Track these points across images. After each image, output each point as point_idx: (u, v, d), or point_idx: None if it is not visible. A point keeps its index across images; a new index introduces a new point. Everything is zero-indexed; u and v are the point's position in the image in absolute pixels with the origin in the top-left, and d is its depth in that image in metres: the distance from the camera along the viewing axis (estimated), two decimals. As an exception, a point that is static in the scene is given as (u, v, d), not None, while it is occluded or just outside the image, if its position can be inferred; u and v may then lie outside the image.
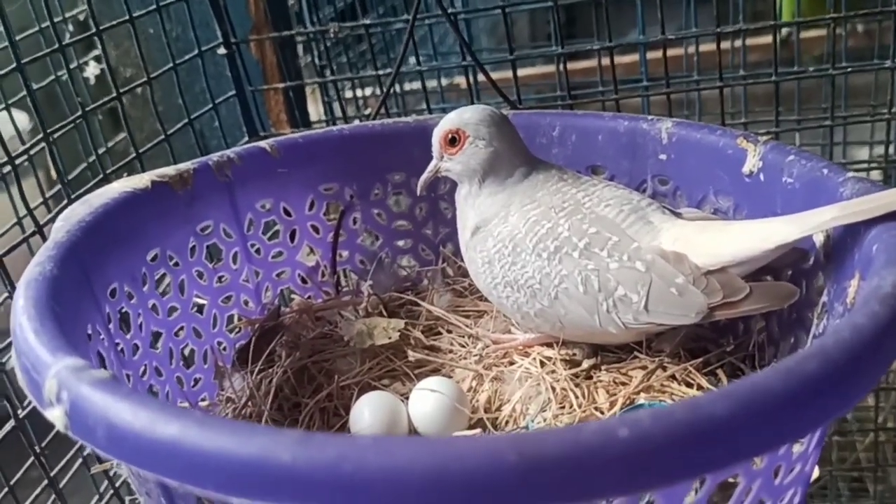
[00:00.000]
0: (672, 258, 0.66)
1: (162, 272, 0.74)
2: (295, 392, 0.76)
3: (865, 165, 1.26)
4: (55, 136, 0.80)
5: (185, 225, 0.77)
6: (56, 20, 0.81)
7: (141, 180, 0.73)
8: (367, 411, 0.69)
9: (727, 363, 0.71)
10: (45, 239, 0.70)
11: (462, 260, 0.83)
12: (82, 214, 0.66)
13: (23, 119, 0.95)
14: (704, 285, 0.64)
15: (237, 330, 0.82)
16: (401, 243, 0.91)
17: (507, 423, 0.69)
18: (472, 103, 1.01)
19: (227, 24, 1.01)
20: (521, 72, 0.98)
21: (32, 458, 0.75)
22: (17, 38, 0.75)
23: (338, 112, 1.26)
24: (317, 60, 1.17)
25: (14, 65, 0.75)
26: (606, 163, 0.82)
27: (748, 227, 0.65)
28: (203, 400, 0.78)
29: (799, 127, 1.17)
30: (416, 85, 1.46)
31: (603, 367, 0.73)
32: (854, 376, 0.40)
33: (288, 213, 0.85)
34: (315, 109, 1.31)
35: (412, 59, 1.05)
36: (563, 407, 0.69)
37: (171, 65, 0.95)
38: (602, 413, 0.68)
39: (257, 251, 0.84)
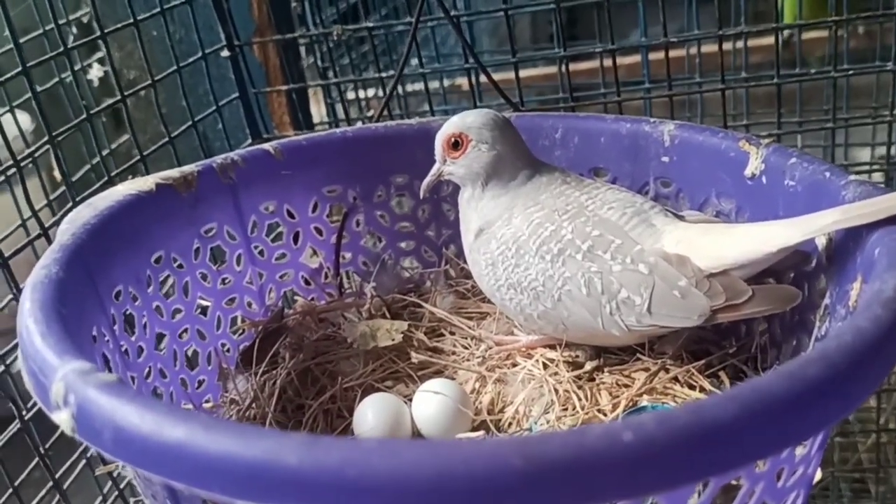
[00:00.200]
0: (675, 261, 0.66)
1: (166, 274, 0.75)
2: (298, 394, 0.76)
3: (867, 167, 1.26)
4: (59, 138, 0.80)
5: (189, 227, 0.77)
6: (60, 23, 0.81)
7: (145, 183, 0.73)
8: (371, 413, 0.69)
9: (729, 365, 0.72)
10: (49, 241, 0.70)
11: (465, 262, 0.83)
12: (87, 217, 0.66)
13: (24, 120, 0.95)
14: (707, 288, 0.64)
15: (241, 332, 0.83)
16: (404, 245, 0.91)
17: (510, 424, 0.70)
18: (475, 105, 1.01)
19: (230, 26, 1.02)
20: (522, 73, 0.98)
21: (36, 460, 0.75)
22: (21, 40, 0.76)
23: (340, 114, 1.26)
24: (319, 62, 1.17)
25: (20, 68, 0.75)
26: (609, 165, 0.82)
27: (751, 229, 0.66)
28: (207, 402, 0.78)
29: (801, 129, 1.17)
30: (418, 86, 1.46)
31: (605, 369, 0.74)
32: (856, 380, 0.40)
33: (291, 215, 0.85)
34: (317, 111, 1.31)
35: (414, 61, 1.05)
36: (566, 409, 0.70)
37: (174, 67, 0.95)
38: (605, 415, 0.68)
39: (261, 253, 0.84)
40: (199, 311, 0.78)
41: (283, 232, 0.86)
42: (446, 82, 1.47)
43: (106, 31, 0.85)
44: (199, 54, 0.99)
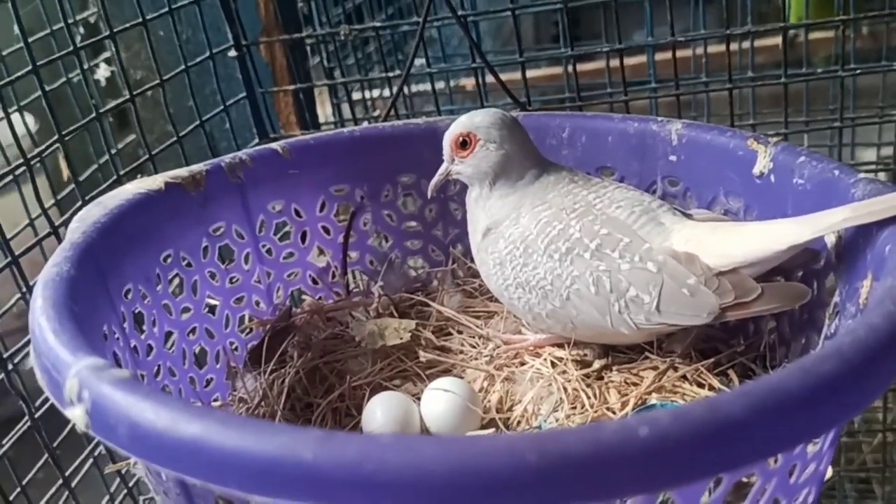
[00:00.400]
0: (683, 259, 0.66)
1: (175, 273, 0.75)
2: (307, 392, 0.76)
3: (874, 167, 1.26)
4: (67, 137, 0.80)
5: (197, 226, 0.77)
6: (68, 23, 0.81)
7: (154, 182, 0.73)
8: (380, 411, 0.69)
9: (738, 364, 0.72)
10: (60, 240, 0.70)
11: (472, 261, 0.84)
12: (97, 215, 0.67)
13: (28, 122, 0.96)
14: (716, 286, 0.65)
15: (249, 330, 0.83)
16: (411, 244, 0.91)
17: (518, 423, 0.70)
18: (481, 105, 1.02)
19: (238, 26, 1.02)
20: (526, 74, 0.98)
21: (45, 457, 0.76)
22: (30, 40, 0.76)
23: (346, 114, 1.26)
24: (325, 63, 1.18)
25: (26, 68, 0.75)
26: (616, 164, 0.82)
27: (760, 227, 0.66)
28: (215, 400, 0.78)
29: (807, 128, 1.17)
30: (423, 87, 1.46)
31: (614, 368, 0.74)
32: (870, 376, 0.40)
33: (299, 215, 0.86)
34: (322, 111, 1.31)
35: (419, 61, 1.05)
36: (575, 407, 0.70)
37: (182, 67, 0.95)
38: (614, 413, 0.68)
39: (269, 252, 0.84)
40: (207, 309, 0.78)
41: (290, 231, 0.86)
42: (451, 83, 1.47)
43: (116, 31, 0.85)
44: (207, 54, 1.00)
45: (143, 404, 0.41)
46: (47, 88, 0.78)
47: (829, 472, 0.55)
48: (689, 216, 0.71)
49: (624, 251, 0.68)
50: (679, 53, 0.95)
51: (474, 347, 0.80)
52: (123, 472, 0.81)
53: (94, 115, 0.83)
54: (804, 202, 0.65)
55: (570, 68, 1.13)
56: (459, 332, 0.83)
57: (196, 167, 0.77)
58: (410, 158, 0.87)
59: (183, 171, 0.76)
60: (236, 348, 0.81)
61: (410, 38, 1.51)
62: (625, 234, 0.69)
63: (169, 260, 0.74)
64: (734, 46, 1.35)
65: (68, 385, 0.45)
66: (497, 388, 0.74)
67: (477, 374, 0.76)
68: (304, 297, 0.89)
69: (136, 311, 0.69)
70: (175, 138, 0.94)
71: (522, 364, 0.76)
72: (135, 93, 0.88)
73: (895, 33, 1.32)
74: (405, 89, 1.26)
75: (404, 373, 0.78)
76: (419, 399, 0.71)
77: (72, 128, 0.80)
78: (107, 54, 1.18)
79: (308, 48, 1.21)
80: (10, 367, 0.73)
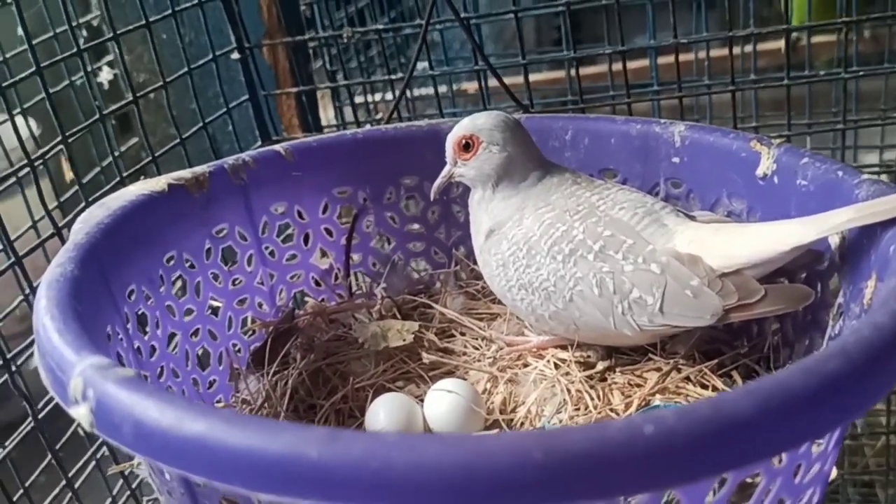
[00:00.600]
0: (687, 260, 0.66)
1: (178, 274, 0.75)
2: (310, 394, 0.76)
3: (876, 169, 1.26)
4: (71, 139, 0.80)
5: (200, 227, 0.77)
6: (72, 25, 0.81)
7: (157, 183, 0.73)
8: (383, 413, 0.69)
9: (742, 365, 0.72)
10: (63, 242, 0.70)
11: (474, 263, 0.84)
12: (101, 217, 0.67)
13: (30, 124, 0.96)
14: (719, 287, 0.65)
15: (251, 332, 0.83)
16: (413, 246, 0.91)
17: (522, 424, 0.70)
18: (484, 107, 1.02)
19: (240, 29, 1.02)
20: (528, 76, 0.98)
21: (49, 458, 0.76)
22: (34, 41, 0.76)
23: (348, 117, 1.27)
24: (328, 66, 1.18)
25: (27, 71, 0.75)
26: (619, 166, 0.83)
27: (763, 229, 0.66)
28: (219, 401, 0.78)
29: (810, 131, 1.17)
30: (424, 90, 1.47)
31: (617, 369, 0.74)
32: (875, 375, 0.40)
33: (302, 216, 0.86)
34: (324, 114, 1.32)
35: (422, 64, 1.05)
36: (579, 409, 0.70)
37: (185, 69, 0.95)
38: (617, 414, 0.68)
39: (271, 254, 0.84)
40: (210, 311, 0.78)
41: (293, 233, 0.86)
42: (453, 86, 1.47)
43: (119, 33, 0.86)
44: (210, 56, 1.00)
45: (147, 402, 0.41)
46: (55, 90, 0.78)
47: (834, 474, 0.55)
48: (692, 218, 0.71)
49: (627, 253, 0.68)
50: (681, 56, 0.96)
51: (477, 349, 0.80)
52: (126, 473, 0.81)
53: (97, 116, 0.84)
54: (807, 203, 0.65)
55: (572, 71, 1.13)
56: (462, 334, 0.83)
57: (199, 169, 0.77)
58: (413, 161, 0.87)
59: (186, 173, 0.76)
60: (239, 350, 0.81)
61: (412, 42, 1.51)
62: (628, 236, 0.69)
63: (172, 261, 0.74)
64: (736, 50, 1.35)
65: (73, 384, 0.45)
66: (500, 389, 0.74)
67: (480, 375, 0.76)
68: (306, 298, 0.89)
69: (140, 312, 0.69)
70: (178, 140, 0.94)
71: (526, 366, 0.76)
72: (138, 95, 0.88)
73: (896, 37, 1.32)
74: (407, 92, 1.27)
75: (407, 374, 0.78)
76: (422, 401, 0.71)
77: (75, 129, 0.80)
78: (109, 57, 1.18)
79: (311, 51, 1.21)
80: (13, 368, 0.73)
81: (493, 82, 1.00)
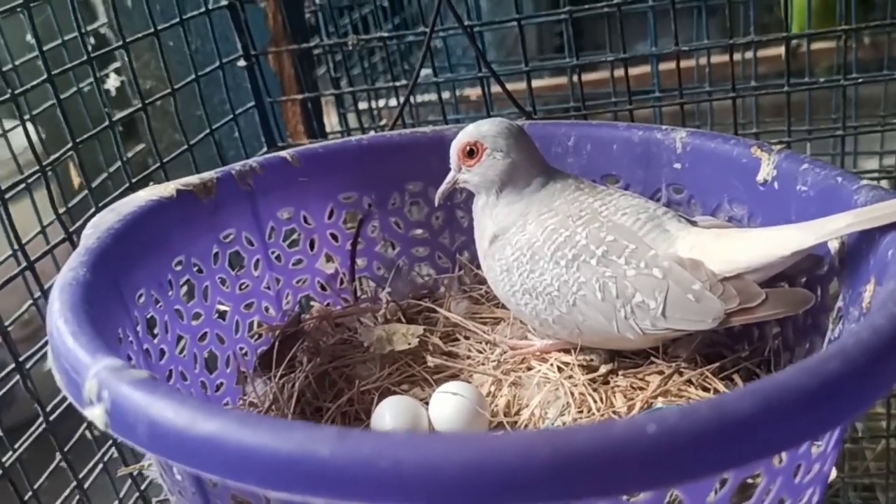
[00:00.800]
0: (689, 265, 0.67)
1: (186, 278, 0.76)
2: (316, 397, 0.77)
3: (876, 175, 1.27)
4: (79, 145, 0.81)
5: (208, 233, 0.78)
6: (74, 35, 0.83)
7: (166, 189, 0.74)
8: (389, 415, 0.70)
9: (743, 368, 0.72)
10: (74, 246, 0.71)
11: (478, 268, 0.85)
12: (111, 222, 0.68)
13: (33, 133, 0.97)
14: (721, 291, 0.65)
15: (258, 336, 0.84)
16: (418, 251, 0.92)
17: (526, 426, 0.70)
18: (487, 114, 1.03)
19: (247, 36, 1.03)
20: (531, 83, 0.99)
21: (59, 459, 0.77)
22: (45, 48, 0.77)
23: (352, 123, 1.28)
24: (332, 73, 1.19)
25: (35, 79, 0.76)
26: (621, 172, 0.83)
27: (764, 234, 0.67)
28: (226, 404, 0.79)
29: (810, 137, 1.18)
30: (427, 97, 1.48)
31: (620, 373, 0.74)
32: (874, 375, 0.41)
33: (307, 222, 0.87)
34: (328, 121, 1.33)
35: (425, 71, 1.06)
36: (582, 411, 0.71)
37: (192, 76, 0.97)
38: (620, 417, 0.69)
39: (278, 259, 0.85)
40: (217, 315, 0.79)
41: (299, 238, 0.87)
42: (456, 92, 1.48)
43: (129, 40, 0.87)
44: (216, 64, 1.01)
45: (162, 403, 0.42)
46: (65, 96, 0.79)
47: (833, 474, 0.56)
48: (693, 223, 0.72)
49: (630, 257, 0.69)
50: (683, 63, 0.96)
51: (481, 353, 0.81)
52: (135, 474, 0.82)
53: (107, 123, 0.85)
54: (807, 209, 0.66)
55: (574, 78, 1.15)
56: (466, 338, 0.84)
57: (207, 175, 0.78)
58: (418, 166, 0.88)
59: (194, 179, 0.77)
60: (246, 353, 0.82)
61: (416, 49, 1.52)
62: (630, 241, 0.70)
63: (180, 266, 0.75)
64: (737, 56, 1.36)
65: (88, 385, 0.46)
66: (504, 392, 0.75)
67: (484, 378, 0.77)
68: (312, 303, 0.90)
69: (149, 315, 0.70)
70: (185, 147, 0.96)
71: (529, 369, 0.77)
72: (146, 102, 0.89)
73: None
74: (411, 99, 1.28)
75: (412, 378, 0.78)
76: (427, 403, 0.72)
77: (85, 136, 0.82)
78: (116, 65, 1.20)
79: (315, 58, 1.22)
80: (25, 369, 0.74)
81: (495, 89, 1.01)
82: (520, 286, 0.75)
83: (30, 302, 0.81)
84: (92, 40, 1.06)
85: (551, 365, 0.76)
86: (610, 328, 0.70)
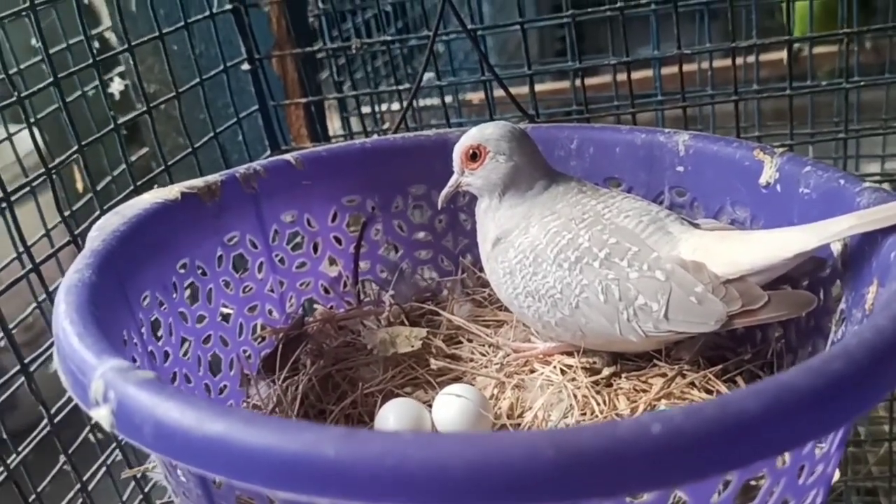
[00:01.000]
0: (691, 267, 0.67)
1: (190, 281, 0.76)
2: (320, 399, 0.77)
3: (878, 178, 1.27)
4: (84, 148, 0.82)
5: (213, 235, 0.78)
6: (80, 39, 0.83)
7: (171, 192, 0.75)
8: (393, 417, 0.70)
9: (746, 371, 0.73)
10: (79, 249, 0.71)
11: (481, 271, 0.85)
12: (116, 224, 0.68)
13: (37, 135, 0.97)
14: (723, 294, 0.66)
15: (262, 339, 0.84)
16: (421, 254, 0.92)
17: (529, 428, 0.71)
18: (489, 117, 1.03)
19: (250, 40, 1.04)
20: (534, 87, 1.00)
21: (63, 461, 0.77)
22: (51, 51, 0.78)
23: (355, 127, 1.28)
24: (335, 76, 1.20)
25: (49, 79, 0.77)
26: (624, 175, 0.84)
27: (766, 236, 0.67)
28: (230, 407, 0.79)
29: (812, 140, 1.18)
30: (430, 101, 1.48)
31: (623, 375, 0.75)
32: (877, 375, 0.41)
33: (311, 225, 0.87)
34: (331, 125, 1.33)
35: (428, 74, 1.07)
36: (585, 413, 0.71)
37: (196, 80, 0.97)
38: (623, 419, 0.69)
39: (281, 261, 0.86)
40: (221, 318, 0.79)
41: (303, 241, 0.87)
42: (458, 96, 1.49)
43: (134, 44, 0.87)
44: (220, 68, 1.01)
45: (168, 404, 0.43)
46: (70, 99, 0.79)
47: (836, 476, 0.56)
48: (696, 226, 0.73)
49: (632, 260, 0.69)
50: (685, 67, 0.97)
51: (484, 355, 0.81)
52: (139, 477, 0.82)
53: (111, 126, 0.85)
54: (810, 211, 0.66)
55: (576, 81, 1.15)
56: (469, 341, 0.84)
57: (211, 177, 0.79)
58: (421, 170, 0.88)
59: (198, 182, 0.77)
60: (249, 356, 0.82)
61: (418, 53, 1.53)
62: (633, 244, 0.70)
63: (185, 268, 0.75)
64: (739, 60, 1.36)
65: (94, 386, 0.46)
66: (507, 395, 0.75)
67: (487, 381, 0.77)
68: (316, 306, 0.90)
69: (154, 318, 0.70)
70: (189, 150, 0.96)
71: (532, 372, 0.77)
72: (151, 105, 0.90)
73: (897, 47, 1.33)
74: (413, 102, 1.28)
75: (415, 380, 0.79)
76: (430, 406, 0.72)
77: (89, 139, 0.82)
78: (121, 69, 1.20)
79: (318, 62, 1.22)
80: (29, 372, 0.74)
81: (498, 92, 1.02)
82: (522, 289, 0.75)
83: (34, 304, 0.81)
84: (96, 44, 1.07)
85: (554, 367, 0.76)
86: (612, 330, 0.70)
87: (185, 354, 0.74)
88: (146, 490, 0.85)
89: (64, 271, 0.61)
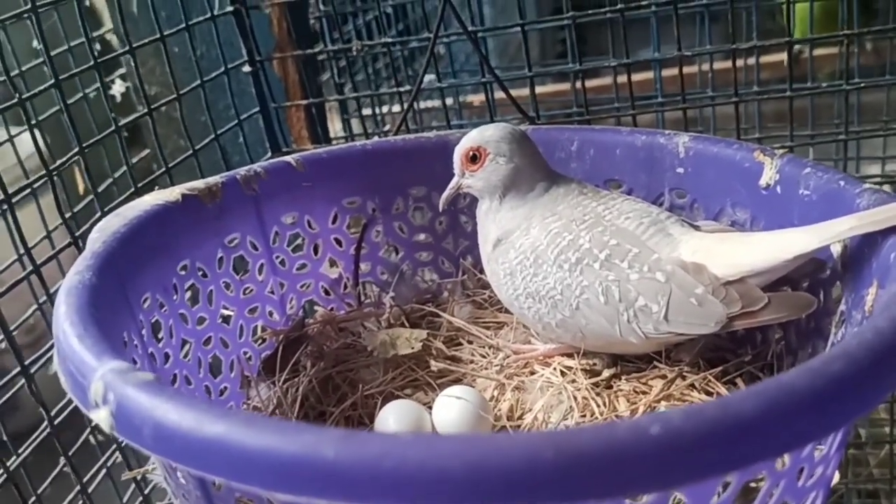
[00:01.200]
0: (691, 269, 0.67)
1: (191, 283, 0.76)
2: (320, 401, 0.77)
3: (878, 180, 1.27)
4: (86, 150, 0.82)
5: (213, 237, 0.78)
6: (81, 41, 0.83)
7: (172, 193, 0.75)
8: (393, 419, 0.70)
9: (746, 372, 0.73)
10: (80, 251, 0.71)
11: (481, 272, 0.85)
12: (117, 226, 0.68)
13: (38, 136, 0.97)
14: (723, 295, 0.66)
15: (262, 340, 0.84)
16: (421, 256, 0.92)
17: (529, 430, 0.71)
18: (491, 119, 1.03)
19: (251, 42, 1.04)
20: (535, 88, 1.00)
21: (63, 463, 0.77)
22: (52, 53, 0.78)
23: (356, 129, 1.28)
24: (336, 78, 1.20)
25: (49, 81, 0.77)
26: (624, 177, 0.84)
27: (766, 237, 0.67)
28: (230, 408, 0.79)
29: (813, 142, 1.18)
30: (431, 103, 1.48)
31: (623, 377, 0.75)
32: (877, 376, 0.41)
33: (312, 227, 0.87)
34: (332, 126, 1.33)
35: (428, 76, 1.07)
36: (585, 415, 0.71)
37: (197, 82, 0.97)
38: (624, 421, 0.69)
39: (282, 263, 0.86)
40: (222, 319, 0.79)
41: (303, 243, 0.87)
42: (459, 98, 1.49)
43: (135, 46, 0.87)
44: (221, 69, 1.01)
45: (167, 405, 0.43)
46: (72, 101, 0.80)
47: (836, 478, 0.56)
48: (696, 227, 0.73)
49: (633, 261, 0.69)
50: (685, 69, 0.97)
51: (484, 357, 0.81)
52: (139, 479, 0.82)
53: (112, 128, 0.85)
54: (810, 213, 0.66)
55: (577, 83, 1.15)
56: (470, 343, 0.84)
57: (212, 179, 0.79)
58: (422, 171, 0.88)
59: (199, 183, 0.77)
60: (250, 358, 0.82)
61: (419, 55, 1.53)
62: (633, 245, 0.70)
63: (185, 270, 0.75)
64: (739, 62, 1.36)
65: (93, 388, 0.46)
66: (507, 396, 0.75)
67: (487, 383, 0.77)
68: (316, 307, 0.90)
69: (154, 319, 0.70)
70: (190, 152, 0.96)
71: (532, 373, 0.77)
72: (152, 107, 0.90)
73: (898, 49, 1.33)
74: (414, 104, 1.28)
75: (415, 382, 0.79)
76: (430, 408, 0.72)
77: (90, 141, 0.82)
78: (121, 71, 1.20)
79: (319, 64, 1.23)
80: (30, 374, 0.74)
81: (498, 94, 1.02)
82: (523, 290, 0.75)
83: (35, 306, 0.81)
84: (98, 46, 1.07)
85: (554, 369, 0.76)
86: (613, 332, 0.70)
87: (185, 356, 0.74)
88: (146, 492, 0.85)
89: (65, 273, 0.62)
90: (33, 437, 0.76)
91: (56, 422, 0.76)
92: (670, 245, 0.70)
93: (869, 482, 1.35)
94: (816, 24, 1.38)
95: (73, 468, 0.77)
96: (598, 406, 0.71)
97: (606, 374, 0.75)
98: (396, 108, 1.36)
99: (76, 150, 0.79)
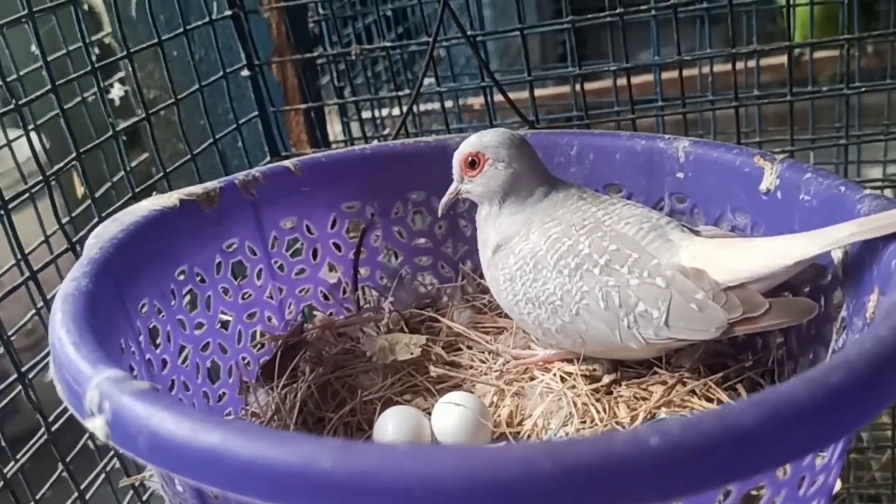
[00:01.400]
0: (692, 274, 0.67)
1: (189, 288, 0.76)
2: (319, 407, 0.77)
3: (879, 184, 1.27)
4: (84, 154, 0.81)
5: (212, 242, 0.78)
6: (79, 45, 0.83)
7: (169, 198, 0.74)
8: (391, 425, 0.70)
9: (746, 378, 0.72)
10: (77, 256, 0.71)
11: (481, 277, 0.85)
12: (114, 231, 0.68)
13: (36, 142, 0.97)
14: (724, 301, 0.65)
15: (261, 346, 0.84)
16: (420, 261, 0.92)
17: (529, 437, 0.70)
18: (490, 123, 1.03)
19: (250, 46, 1.04)
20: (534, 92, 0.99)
21: (61, 470, 0.77)
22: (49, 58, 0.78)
23: (355, 132, 1.28)
24: (335, 82, 1.19)
25: (48, 86, 0.77)
26: (624, 181, 0.83)
27: (767, 243, 0.67)
28: (228, 414, 0.79)
29: (813, 146, 1.18)
30: (430, 106, 1.48)
31: (623, 383, 0.74)
32: (878, 386, 0.41)
33: (310, 231, 0.87)
34: (332, 130, 1.33)
35: (428, 80, 1.07)
36: (585, 421, 0.70)
37: (196, 86, 0.97)
38: (623, 427, 0.69)
39: (281, 268, 0.85)
40: (220, 325, 0.79)
41: (302, 247, 0.87)
42: (459, 101, 1.48)
43: (133, 50, 0.87)
44: (220, 74, 1.01)
45: (163, 414, 0.42)
46: (69, 105, 0.79)
47: (838, 486, 0.56)
48: (696, 232, 0.72)
49: (633, 267, 0.69)
50: (685, 72, 0.96)
51: (484, 363, 0.81)
52: (137, 485, 0.82)
53: (110, 132, 0.85)
54: (811, 218, 0.66)
55: (577, 87, 1.15)
56: (469, 348, 0.83)
57: (210, 184, 0.78)
58: (421, 176, 0.88)
59: (197, 188, 0.77)
60: (248, 363, 0.82)
61: (419, 58, 1.53)
62: (633, 250, 0.70)
63: (183, 276, 0.75)
64: (740, 65, 1.36)
65: (89, 396, 0.46)
66: (507, 402, 0.74)
67: (487, 388, 0.76)
68: (315, 312, 0.90)
69: (152, 325, 0.70)
70: (188, 156, 0.96)
71: (532, 379, 0.77)
72: (151, 111, 0.89)
73: (899, 52, 1.33)
74: (414, 108, 1.28)
75: (415, 388, 0.78)
76: (430, 414, 0.72)
77: (89, 145, 0.82)
78: (120, 74, 1.20)
79: (318, 67, 1.22)
80: (26, 381, 0.74)
81: (498, 98, 1.01)
82: (523, 295, 0.75)
83: (33, 311, 0.81)
84: (96, 50, 1.06)
85: (554, 375, 0.76)
86: (613, 337, 0.70)
87: (183, 362, 0.74)
88: (144, 498, 0.85)
89: (63, 278, 0.61)
90: (31, 443, 0.75)
91: (55, 426, 0.75)
92: (670, 250, 0.70)
93: (871, 486, 1.35)
94: (817, 27, 1.38)
95: (71, 475, 0.77)
96: (598, 412, 0.71)
97: (606, 379, 0.75)
98: (396, 111, 1.36)
99: (74, 154, 0.79)
